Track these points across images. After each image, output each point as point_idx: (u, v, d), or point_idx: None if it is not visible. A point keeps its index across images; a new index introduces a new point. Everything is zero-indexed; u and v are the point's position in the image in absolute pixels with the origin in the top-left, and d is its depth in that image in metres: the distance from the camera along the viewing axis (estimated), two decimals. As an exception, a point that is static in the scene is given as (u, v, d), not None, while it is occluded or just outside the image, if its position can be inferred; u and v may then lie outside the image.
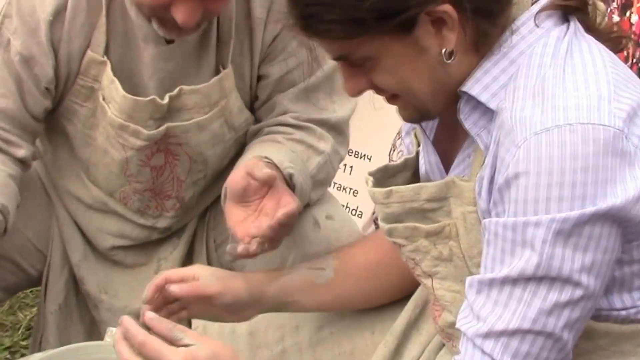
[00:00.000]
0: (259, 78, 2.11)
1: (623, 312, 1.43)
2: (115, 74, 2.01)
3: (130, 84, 2.03)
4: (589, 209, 1.29)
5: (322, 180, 2.10)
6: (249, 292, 1.75)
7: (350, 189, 3.06)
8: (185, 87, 2.02)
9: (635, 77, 1.43)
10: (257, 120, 2.16)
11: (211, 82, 2.04)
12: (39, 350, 2.25)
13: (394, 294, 1.82)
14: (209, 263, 2.27)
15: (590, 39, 1.43)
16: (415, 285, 1.73)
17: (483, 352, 1.37)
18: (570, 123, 1.30)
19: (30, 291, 3.07)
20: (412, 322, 1.79)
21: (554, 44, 1.39)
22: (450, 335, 1.62)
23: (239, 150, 2.16)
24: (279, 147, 2.03)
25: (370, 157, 3.01)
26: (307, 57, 1.54)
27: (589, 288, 1.33)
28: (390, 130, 2.89)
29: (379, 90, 1.47)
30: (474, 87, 1.41)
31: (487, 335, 1.36)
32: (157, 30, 1.92)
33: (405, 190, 1.54)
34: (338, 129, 2.12)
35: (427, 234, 1.53)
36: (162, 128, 2.03)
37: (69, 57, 2.02)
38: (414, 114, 1.50)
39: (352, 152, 3.06)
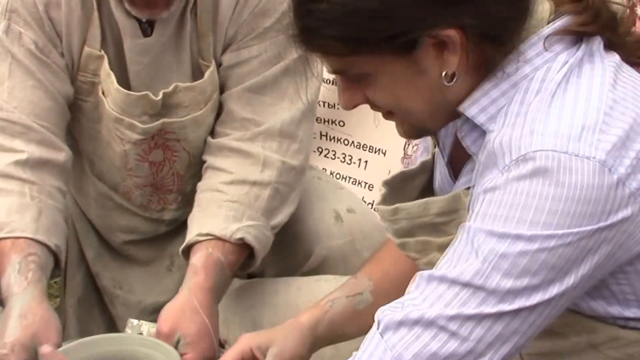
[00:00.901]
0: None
1: None
2: (111, 68, 2.02)
3: (124, 79, 2.04)
4: (545, 232, 1.25)
5: (279, 204, 2.07)
6: (307, 346, 1.72)
7: (366, 183, 3.05)
8: (181, 85, 2.02)
9: None
10: None
11: (205, 77, 2.04)
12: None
13: None
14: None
15: (599, 61, 1.37)
16: None
17: (389, 340, 1.31)
18: (545, 149, 1.26)
19: (55, 282, 3.06)
20: None
21: (556, 69, 1.34)
22: None
23: None
24: (218, 205, 2.00)
25: (385, 151, 3.01)
26: (302, 70, 1.50)
27: (524, 308, 1.27)
28: (405, 125, 2.89)
29: (374, 106, 1.44)
30: (471, 108, 1.38)
31: (400, 322, 1.31)
32: (130, 10, 1.93)
33: (412, 206, 1.50)
34: (287, 134, 2.07)
35: (440, 247, 1.48)
36: (157, 123, 2.04)
37: (71, 52, 2.03)
38: (411, 130, 1.47)
39: (366, 147, 3.05)
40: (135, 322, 1.88)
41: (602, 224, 1.26)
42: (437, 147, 1.58)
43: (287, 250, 2.17)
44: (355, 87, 1.41)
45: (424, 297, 1.31)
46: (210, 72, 2.04)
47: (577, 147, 1.26)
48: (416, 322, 1.29)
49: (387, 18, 1.30)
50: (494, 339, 1.28)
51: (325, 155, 3.09)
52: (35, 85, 2.00)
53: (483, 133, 1.38)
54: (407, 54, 1.33)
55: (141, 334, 1.86)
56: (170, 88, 2.02)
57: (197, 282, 1.89)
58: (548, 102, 1.31)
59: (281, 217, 2.07)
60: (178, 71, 2.05)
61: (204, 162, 2.10)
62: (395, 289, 1.67)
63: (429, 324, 1.29)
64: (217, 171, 2.07)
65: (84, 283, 2.32)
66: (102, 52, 2.02)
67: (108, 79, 2.02)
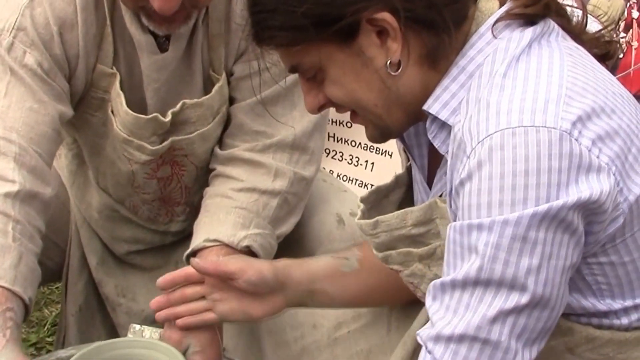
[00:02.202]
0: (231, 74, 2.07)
1: (625, 320, 1.42)
2: (122, 87, 1.98)
3: (135, 97, 2.00)
4: (527, 210, 1.26)
5: (286, 214, 2.06)
6: (274, 272, 1.73)
7: (372, 185, 3.05)
8: (188, 101, 1.99)
9: (606, 82, 1.38)
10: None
11: (212, 92, 2.01)
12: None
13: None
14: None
15: (556, 45, 1.39)
16: None
17: (434, 357, 1.34)
18: (512, 126, 1.27)
19: (56, 287, 3.07)
20: None
21: (510, 50, 1.36)
22: None
23: None
24: (226, 211, 1.99)
25: (392, 153, 3.00)
26: (258, 66, 1.57)
27: (536, 294, 1.29)
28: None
29: (337, 107, 1.47)
30: (434, 105, 1.41)
31: (436, 339, 1.34)
32: (147, 25, 1.88)
33: (391, 218, 1.53)
34: (298, 147, 2.06)
35: (420, 257, 1.53)
36: (166, 143, 2.01)
37: (87, 72, 1.98)
38: (376, 132, 1.50)
39: (373, 149, 3.05)
40: (137, 327, 1.87)
41: (581, 195, 1.27)
42: (408, 156, 1.59)
43: (288, 253, 2.14)
44: (315, 88, 1.46)
45: (445, 306, 1.34)
46: (218, 87, 2.02)
47: (543, 118, 1.27)
48: (449, 339, 1.32)
49: (318, 3, 1.36)
50: (521, 330, 1.31)
51: (332, 157, 3.08)
52: (32, 108, 1.92)
53: (451, 131, 1.39)
54: (350, 42, 1.38)
55: None
56: (178, 106, 1.99)
57: None
58: (510, 82, 1.32)
59: (286, 227, 2.06)
60: (190, 84, 2.03)
61: (212, 170, 2.09)
62: (382, 266, 1.69)
63: (460, 338, 1.31)
64: (227, 178, 2.05)
65: (86, 291, 2.30)
66: (114, 69, 1.99)
67: (117, 99, 1.98)
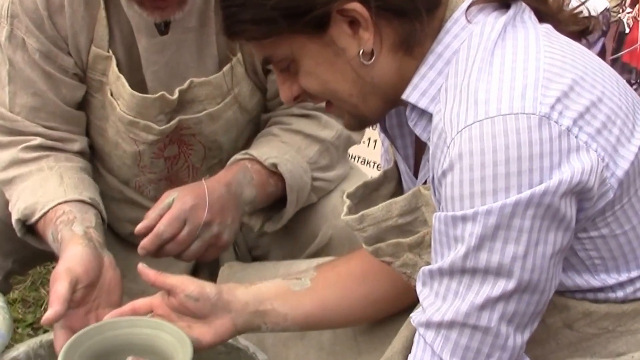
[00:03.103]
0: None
1: (620, 293, 1.42)
2: (120, 70, 1.98)
3: (135, 79, 2.00)
4: (510, 199, 1.26)
5: (327, 164, 2.09)
6: (217, 290, 1.69)
7: (374, 162, 3.10)
8: (196, 80, 1.99)
9: (585, 57, 1.38)
10: (268, 111, 2.16)
11: (223, 71, 2.01)
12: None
13: (388, 306, 1.75)
14: (234, 242, 2.23)
15: (531, 25, 1.38)
16: (410, 297, 1.65)
17: (425, 342, 1.36)
18: (490, 116, 1.27)
19: (53, 267, 3.05)
20: None
21: (485, 34, 1.36)
22: None
23: (253, 130, 2.15)
24: (267, 141, 2.04)
25: (394, 130, 3.00)
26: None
27: (523, 280, 1.29)
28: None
29: (312, 98, 1.48)
30: (412, 94, 1.40)
31: (427, 325, 1.35)
32: (140, 13, 1.88)
33: (376, 211, 1.53)
34: None
35: (410, 246, 1.52)
36: (173, 122, 2.01)
37: (78, 52, 1.99)
38: (352, 121, 1.50)
39: (375, 126, 3.02)
40: None
41: (562, 177, 1.26)
42: (393, 147, 1.59)
43: (293, 231, 2.15)
44: (290, 79, 1.46)
45: (435, 292, 1.35)
46: (230, 67, 2.01)
47: (522, 105, 1.27)
48: (440, 325, 1.34)
49: None
50: (511, 315, 1.32)
51: (334, 135, 3.09)
52: (36, 93, 1.98)
53: (430, 119, 1.40)
54: (322, 33, 1.38)
55: None
56: (186, 84, 1.99)
57: (215, 176, 1.94)
58: (487, 70, 1.32)
59: (325, 175, 2.09)
60: (199, 68, 2.02)
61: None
62: (341, 282, 1.72)
63: (450, 324, 1.33)
64: (277, 123, 2.09)
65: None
66: (110, 52, 1.98)
67: (118, 82, 1.98)
